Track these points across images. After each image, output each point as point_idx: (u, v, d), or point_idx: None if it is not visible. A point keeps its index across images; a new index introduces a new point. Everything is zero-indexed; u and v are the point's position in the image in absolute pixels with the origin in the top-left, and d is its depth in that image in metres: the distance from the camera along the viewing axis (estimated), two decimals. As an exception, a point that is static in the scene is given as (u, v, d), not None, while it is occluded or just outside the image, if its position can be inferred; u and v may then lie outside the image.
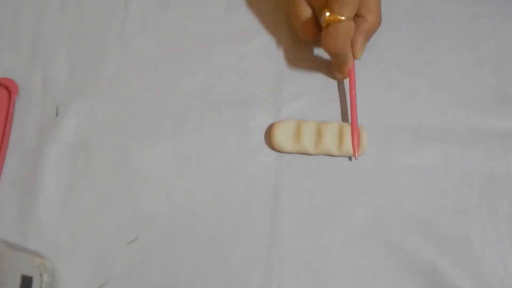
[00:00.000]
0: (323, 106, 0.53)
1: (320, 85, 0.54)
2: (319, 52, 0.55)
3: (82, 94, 0.54)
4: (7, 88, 0.54)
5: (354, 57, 0.51)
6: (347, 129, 0.51)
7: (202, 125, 0.53)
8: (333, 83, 0.54)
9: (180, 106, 0.54)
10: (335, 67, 0.52)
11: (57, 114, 0.54)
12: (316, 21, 0.51)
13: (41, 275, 0.45)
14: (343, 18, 0.46)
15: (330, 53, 0.50)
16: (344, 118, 0.53)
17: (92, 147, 0.53)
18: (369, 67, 0.54)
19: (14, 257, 0.43)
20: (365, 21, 0.50)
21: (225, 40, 0.55)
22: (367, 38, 0.51)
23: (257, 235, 0.50)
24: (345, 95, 0.53)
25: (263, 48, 0.55)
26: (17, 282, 0.41)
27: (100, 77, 0.55)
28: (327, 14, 0.46)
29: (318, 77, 0.54)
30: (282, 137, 0.51)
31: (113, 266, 0.49)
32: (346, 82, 0.53)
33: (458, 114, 0.52)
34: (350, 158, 0.51)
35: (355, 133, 0.50)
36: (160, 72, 0.55)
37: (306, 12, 0.51)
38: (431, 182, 0.50)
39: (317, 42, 0.50)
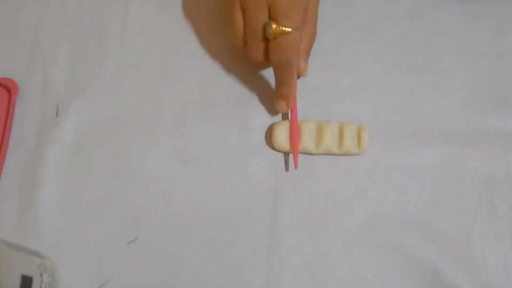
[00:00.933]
0: (323, 106, 0.53)
1: (321, 85, 0.54)
2: (320, 51, 0.54)
3: (82, 94, 0.54)
4: (7, 88, 0.54)
5: (300, 75, 0.51)
6: (348, 128, 0.51)
7: (202, 125, 0.53)
8: (333, 83, 0.54)
9: (180, 106, 0.54)
10: (280, 93, 0.50)
11: (57, 114, 0.54)
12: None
13: (41, 275, 0.45)
14: (289, 30, 0.45)
15: (278, 67, 0.48)
16: (344, 118, 0.53)
17: (92, 147, 0.53)
18: (369, 66, 0.54)
19: (14, 257, 0.43)
20: (303, 38, 0.50)
21: (225, 40, 0.55)
22: (308, 54, 0.51)
23: (257, 235, 0.50)
24: (345, 95, 0.53)
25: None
26: (17, 282, 0.41)
27: (100, 77, 0.55)
28: (274, 26, 0.45)
29: (319, 77, 0.54)
30: (282, 137, 0.51)
31: (113, 266, 0.49)
32: (348, 79, 0.53)
33: (458, 114, 0.52)
34: (352, 157, 0.52)
35: (295, 160, 0.50)
36: (160, 72, 0.55)
37: (242, 20, 0.48)
38: (431, 182, 0.50)
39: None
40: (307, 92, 0.53)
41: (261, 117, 0.53)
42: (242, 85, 0.54)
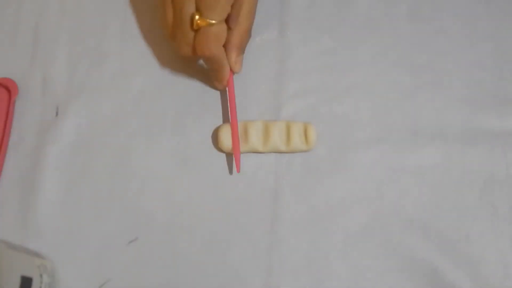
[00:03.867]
0: (323, 106, 0.53)
1: (321, 85, 0.54)
2: (320, 51, 0.54)
3: (82, 94, 0.54)
4: (7, 88, 0.54)
5: (233, 71, 0.51)
6: (295, 126, 0.51)
7: (202, 125, 0.53)
8: (333, 83, 0.54)
9: (180, 106, 0.54)
10: (213, 76, 0.52)
11: (57, 114, 0.54)
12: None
13: (40, 275, 0.45)
14: (213, 21, 0.47)
15: (203, 58, 0.50)
16: (344, 118, 0.52)
17: (92, 147, 0.53)
18: (369, 66, 0.54)
19: (14, 257, 0.43)
20: (231, 33, 0.50)
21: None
22: (239, 50, 0.51)
23: (257, 235, 0.50)
24: (345, 95, 0.53)
25: (262, 49, 0.54)
26: (17, 283, 0.41)
27: (100, 77, 0.55)
28: (197, 17, 0.47)
29: (318, 77, 0.54)
30: (229, 139, 0.51)
31: (113, 266, 0.49)
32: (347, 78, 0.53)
33: (458, 114, 0.52)
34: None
35: (236, 146, 0.50)
36: (160, 71, 0.55)
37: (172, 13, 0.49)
38: (431, 182, 0.50)
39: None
40: (307, 92, 0.53)
41: (259, 117, 0.53)
42: (242, 85, 0.54)
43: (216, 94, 0.54)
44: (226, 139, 0.51)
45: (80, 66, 0.55)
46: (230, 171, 0.52)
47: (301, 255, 0.49)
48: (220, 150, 0.52)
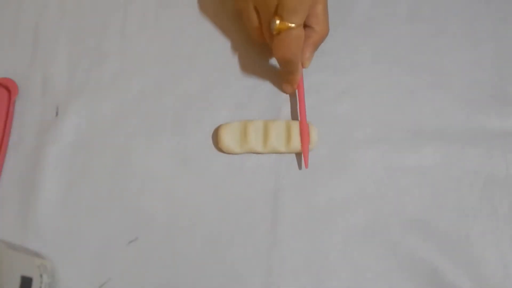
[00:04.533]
0: (323, 106, 0.53)
1: (321, 85, 0.54)
2: (320, 51, 0.54)
3: (82, 94, 0.54)
4: (7, 88, 0.54)
5: (303, 66, 0.52)
6: (294, 126, 0.51)
7: (202, 125, 0.53)
8: (333, 83, 0.54)
9: (180, 106, 0.54)
10: (285, 78, 0.52)
11: (57, 114, 0.54)
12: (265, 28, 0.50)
13: (40, 275, 0.45)
14: (293, 25, 0.47)
15: (281, 61, 0.50)
16: (344, 118, 0.53)
17: (92, 147, 0.53)
18: (369, 66, 0.54)
19: (14, 257, 0.43)
20: (313, 31, 0.50)
21: (225, 40, 0.56)
22: (315, 48, 0.52)
23: (257, 235, 0.50)
24: (345, 95, 0.53)
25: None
26: (17, 283, 0.41)
27: (100, 77, 0.55)
28: (277, 22, 0.47)
29: (319, 77, 0.54)
30: (229, 139, 0.51)
31: (113, 266, 0.49)
32: (347, 83, 0.53)
33: (458, 114, 0.52)
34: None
35: (306, 145, 0.51)
36: (160, 71, 0.55)
37: (256, 18, 0.51)
38: (431, 182, 0.50)
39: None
40: (307, 92, 0.53)
41: (260, 116, 0.53)
42: (242, 84, 0.54)
43: (215, 94, 0.54)
44: (226, 139, 0.51)
45: (80, 66, 0.56)
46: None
47: (301, 255, 0.49)
48: (220, 150, 0.52)
